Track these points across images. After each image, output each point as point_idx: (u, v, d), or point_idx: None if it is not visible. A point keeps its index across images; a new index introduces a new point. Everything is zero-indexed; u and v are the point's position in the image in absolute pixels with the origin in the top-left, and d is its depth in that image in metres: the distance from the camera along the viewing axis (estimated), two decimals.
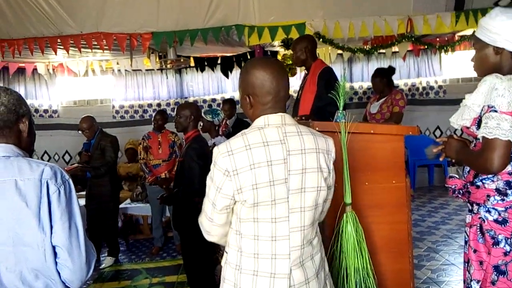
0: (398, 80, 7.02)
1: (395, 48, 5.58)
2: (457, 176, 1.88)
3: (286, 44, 4.55)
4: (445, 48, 5.45)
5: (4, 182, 1.25)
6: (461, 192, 1.82)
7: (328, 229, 2.21)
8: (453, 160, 1.90)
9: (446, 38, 5.52)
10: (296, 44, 3.43)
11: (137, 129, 6.54)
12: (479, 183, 1.71)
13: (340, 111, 2.30)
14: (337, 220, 2.10)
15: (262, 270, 1.40)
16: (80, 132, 4.50)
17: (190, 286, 3.30)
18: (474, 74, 5.72)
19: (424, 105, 6.93)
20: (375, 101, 4.71)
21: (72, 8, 4.16)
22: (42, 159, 6.52)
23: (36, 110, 6.50)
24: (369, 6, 4.47)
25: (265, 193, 1.36)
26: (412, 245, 2.35)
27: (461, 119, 1.76)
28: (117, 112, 6.70)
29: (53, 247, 1.29)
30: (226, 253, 1.51)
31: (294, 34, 4.38)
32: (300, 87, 3.55)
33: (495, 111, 1.57)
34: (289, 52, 4.81)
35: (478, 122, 1.68)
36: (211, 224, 1.47)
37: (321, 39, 4.46)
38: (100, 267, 4.46)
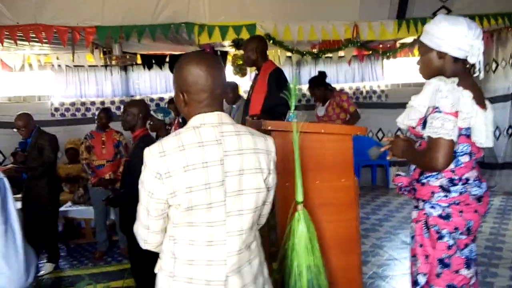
0: (344, 84, 7.28)
1: (341, 53, 5.78)
2: (403, 174, 1.95)
3: (236, 44, 4.54)
4: (387, 54, 5.72)
5: None
6: (407, 189, 1.90)
7: (280, 228, 2.22)
8: (398, 159, 1.98)
9: (388, 45, 5.80)
10: (247, 44, 3.44)
11: (78, 128, 6.20)
12: (424, 181, 1.78)
13: (292, 111, 2.33)
14: (289, 219, 2.12)
15: (197, 277, 1.33)
16: (15, 130, 4.20)
17: None
18: (413, 80, 6.08)
19: (367, 108, 7.23)
20: (320, 105, 4.86)
21: None
22: None
23: None
24: (318, 11, 4.59)
25: (201, 196, 1.29)
26: (360, 241, 2.43)
27: (407, 119, 1.84)
28: (56, 109, 6.31)
29: None
30: (160, 259, 1.43)
31: (245, 35, 4.39)
32: (250, 87, 3.56)
33: (439, 112, 1.65)
34: (240, 52, 4.81)
35: (424, 123, 1.76)
36: (147, 232, 1.38)
37: (271, 41, 4.51)
38: (39, 274, 4.18)
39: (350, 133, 2.36)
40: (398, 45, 5.69)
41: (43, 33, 4.08)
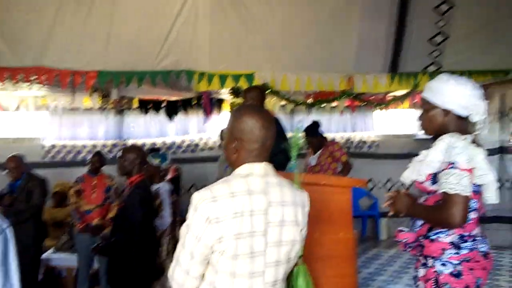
0: (335, 134, 7.38)
1: (334, 103, 5.92)
2: (406, 229, 1.90)
3: (235, 92, 4.63)
4: (379, 106, 5.86)
5: None
6: (412, 246, 1.84)
7: None
8: (401, 214, 1.94)
9: (380, 97, 5.97)
10: (247, 93, 3.50)
11: (67, 170, 6.04)
12: (434, 237, 1.75)
13: (293, 161, 2.33)
14: (288, 273, 2.06)
15: None
16: (4, 172, 4.12)
17: None
18: (404, 131, 6.20)
19: (358, 158, 7.27)
20: (312, 154, 4.89)
21: (13, 40, 3.96)
22: None
23: None
24: (315, 62, 4.76)
25: (245, 244, 1.32)
26: None
27: (416, 174, 1.82)
28: (47, 152, 6.20)
29: None
30: None
31: (243, 83, 4.51)
32: None
33: (455, 167, 1.66)
34: (237, 100, 4.90)
35: (433, 178, 1.76)
36: (186, 277, 1.37)
37: (269, 90, 4.61)
38: None
39: (351, 185, 2.37)
40: (388, 97, 5.86)
41: (45, 75, 4.13)
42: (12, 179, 4.18)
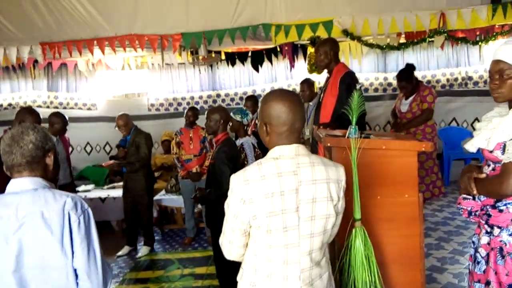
0: (436, 70, 6.78)
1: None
2: (469, 197, 1.87)
3: (313, 42, 4.54)
4: (485, 39, 5.16)
5: (33, 213, 1.43)
6: (477, 214, 1.83)
7: (339, 243, 2.28)
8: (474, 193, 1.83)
9: (486, 29, 5.24)
10: (319, 47, 3.45)
11: (171, 121, 6.75)
12: (503, 207, 1.72)
13: (353, 126, 2.34)
14: (347, 235, 2.17)
15: None
16: (117, 128, 4.77)
17: (219, 278, 3.48)
18: None
19: (462, 96, 6.69)
20: (404, 98, 4.64)
21: (107, 13, 4.40)
22: (85, 150, 6.89)
23: (76, 104, 6.82)
24: (400, 1, 4.35)
25: (278, 220, 1.47)
26: (424, 257, 2.39)
27: (485, 142, 1.75)
28: (152, 105, 6.92)
29: (74, 270, 1.47)
30: (242, 269, 1.65)
31: (322, 32, 4.37)
32: (322, 90, 3.57)
33: None
34: None
35: (503, 147, 1.68)
36: (231, 245, 1.60)
37: (348, 37, 4.41)
38: (137, 256, 4.76)
39: (414, 149, 2.30)
40: (497, 29, 5.11)
41: (136, 41, 4.55)
42: (123, 135, 4.82)
